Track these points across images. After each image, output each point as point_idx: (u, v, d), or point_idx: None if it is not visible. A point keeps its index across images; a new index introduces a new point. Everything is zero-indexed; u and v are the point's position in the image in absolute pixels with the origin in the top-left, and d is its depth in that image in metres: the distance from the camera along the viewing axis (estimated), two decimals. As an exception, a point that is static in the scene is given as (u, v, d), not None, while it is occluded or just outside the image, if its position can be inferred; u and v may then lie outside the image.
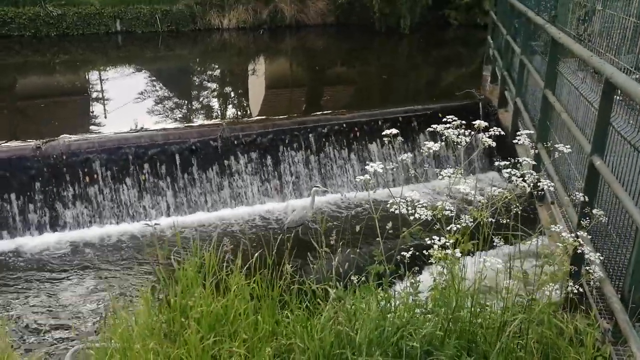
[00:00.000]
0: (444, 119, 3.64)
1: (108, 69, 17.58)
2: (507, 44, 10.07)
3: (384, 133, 3.28)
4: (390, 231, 3.59)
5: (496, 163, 3.86)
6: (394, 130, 3.24)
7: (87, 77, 16.90)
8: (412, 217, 3.42)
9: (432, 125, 3.62)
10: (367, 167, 3.15)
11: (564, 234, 3.49)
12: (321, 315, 3.23)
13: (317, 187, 9.36)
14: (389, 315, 3.16)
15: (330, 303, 3.25)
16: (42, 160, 9.17)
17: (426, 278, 4.11)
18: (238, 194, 10.27)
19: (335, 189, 10.93)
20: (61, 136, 9.61)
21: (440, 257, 3.56)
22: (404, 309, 3.42)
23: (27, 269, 8.26)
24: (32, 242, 8.93)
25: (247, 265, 3.72)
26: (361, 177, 3.23)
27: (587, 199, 4.17)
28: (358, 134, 11.34)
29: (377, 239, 3.53)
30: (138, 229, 9.39)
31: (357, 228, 3.50)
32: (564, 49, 5.87)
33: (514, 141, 3.81)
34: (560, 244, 3.61)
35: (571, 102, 5.56)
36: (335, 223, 4.21)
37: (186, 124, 11.98)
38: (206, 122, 12.45)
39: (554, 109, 5.97)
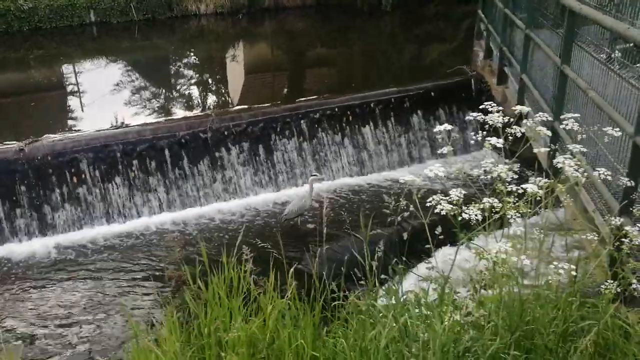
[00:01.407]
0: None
1: (84, 62, 16.99)
2: (505, 17, 9.67)
3: (435, 130, 2.94)
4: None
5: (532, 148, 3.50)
6: (448, 126, 2.90)
7: (63, 72, 16.31)
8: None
9: (472, 114, 3.29)
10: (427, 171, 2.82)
11: (629, 227, 3.18)
12: (371, 333, 2.88)
13: (315, 175, 9.06)
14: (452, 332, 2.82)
15: (384, 321, 2.89)
16: (26, 162, 8.74)
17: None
18: (231, 186, 9.91)
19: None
20: (44, 136, 9.17)
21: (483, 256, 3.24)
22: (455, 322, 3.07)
23: (18, 277, 7.87)
24: (21, 249, 8.55)
25: (280, 286, 3.33)
26: (405, 178, 2.91)
27: (632, 184, 3.85)
28: (351, 117, 11.02)
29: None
30: (130, 228, 9.08)
31: (405, 236, 3.15)
32: (585, 21, 5.52)
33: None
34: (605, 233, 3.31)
35: (595, 79, 5.22)
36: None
37: (173, 117, 11.54)
38: (193, 113, 12.01)
39: (575, 86, 5.63)
